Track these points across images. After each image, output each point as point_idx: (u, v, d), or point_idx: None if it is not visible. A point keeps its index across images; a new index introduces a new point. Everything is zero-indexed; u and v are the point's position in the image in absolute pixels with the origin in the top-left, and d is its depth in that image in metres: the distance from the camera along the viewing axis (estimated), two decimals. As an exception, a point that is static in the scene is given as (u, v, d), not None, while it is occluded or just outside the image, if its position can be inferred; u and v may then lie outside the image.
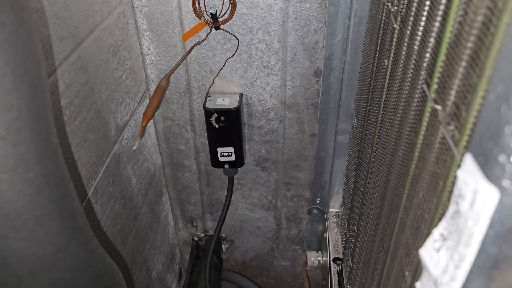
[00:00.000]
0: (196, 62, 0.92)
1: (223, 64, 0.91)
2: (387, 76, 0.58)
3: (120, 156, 0.84)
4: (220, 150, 0.97)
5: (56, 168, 0.38)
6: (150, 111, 0.82)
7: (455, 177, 0.33)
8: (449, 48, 0.37)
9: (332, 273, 1.00)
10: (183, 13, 0.86)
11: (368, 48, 0.74)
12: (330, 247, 1.05)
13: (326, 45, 0.83)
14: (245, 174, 1.10)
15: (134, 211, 0.93)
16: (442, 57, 0.39)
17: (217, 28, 0.85)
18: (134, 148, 0.90)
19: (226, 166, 1.00)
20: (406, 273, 0.49)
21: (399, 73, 0.52)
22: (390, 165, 0.56)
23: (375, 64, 0.66)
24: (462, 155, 0.33)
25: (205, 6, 0.84)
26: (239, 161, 1.00)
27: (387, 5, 0.59)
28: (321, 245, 1.16)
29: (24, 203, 0.36)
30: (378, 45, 0.64)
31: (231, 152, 0.98)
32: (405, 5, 0.50)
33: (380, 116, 0.62)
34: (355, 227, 0.83)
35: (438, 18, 0.40)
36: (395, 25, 0.54)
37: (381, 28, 0.62)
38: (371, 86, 0.69)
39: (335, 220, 1.11)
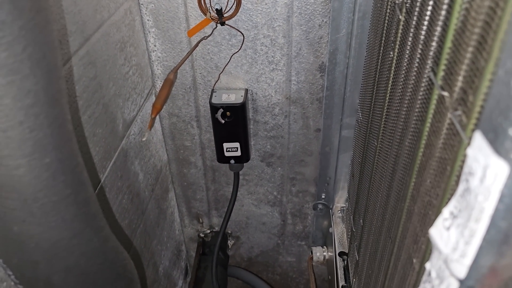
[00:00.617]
0: (201, 58, 0.93)
1: (228, 60, 0.92)
2: (393, 68, 0.59)
3: (128, 151, 0.85)
4: (226, 145, 0.98)
5: (71, 154, 0.39)
6: (159, 103, 0.84)
7: (462, 161, 0.34)
8: (455, 34, 0.38)
9: (338, 267, 1.01)
10: (188, 9, 0.86)
11: (373, 42, 0.74)
12: (336, 242, 1.05)
13: (331, 40, 0.84)
14: (250, 170, 1.11)
15: (141, 206, 0.94)
16: (448, 44, 0.40)
17: (223, 23, 0.86)
18: (143, 139, 0.91)
19: (232, 161, 1.01)
20: (414, 260, 0.49)
21: (405, 64, 0.53)
22: (396, 155, 0.57)
23: (380, 57, 0.67)
24: (470, 138, 0.33)
25: (210, 2, 0.84)
26: (244, 156, 1.00)
27: (392, -2, 0.59)
28: (326, 240, 1.17)
29: (41, 188, 0.36)
30: (383, 38, 0.65)
31: (237, 148, 0.98)
32: (410, -3, 0.51)
33: (386, 108, 0.63)
34: (361, 220, 0.83)
35: (444, 7, 0.40)
36: (400, 17, 0.55)
37: (386, 21, 0.63)
38: (376, 79, 0.70)
39: (340, 215, 1.11)
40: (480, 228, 0.28)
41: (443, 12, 0.41)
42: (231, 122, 0.94)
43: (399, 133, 0.56)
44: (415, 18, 0.49)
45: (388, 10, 0.62)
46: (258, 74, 0.94)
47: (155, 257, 1.04)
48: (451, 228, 0.31)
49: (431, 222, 0.44)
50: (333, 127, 0.97)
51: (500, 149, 0.25)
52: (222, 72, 0.94)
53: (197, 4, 0.85)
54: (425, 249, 0.45)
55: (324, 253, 1.15)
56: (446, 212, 0.32)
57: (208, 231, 1.26)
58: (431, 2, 0.44)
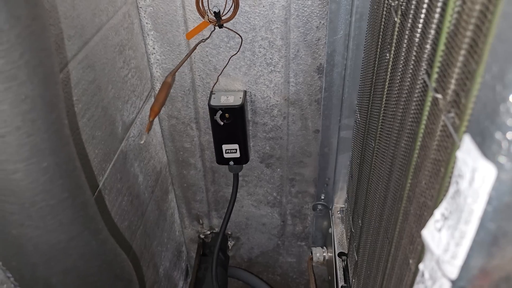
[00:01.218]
0: (200, 60, 0.93)
1: (227, 62, 0.92)
2: (389, 70, 0.59)
3: (127, 153, 0.86)
4: (225, 147, 0.99)
5: (68, 158, 0.39)
6: (157, 106, 0.84)
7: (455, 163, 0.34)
8: (448, 37, 0.38)
9: (338, 268, 1.01)
10: (187, 12, 0.87)
11: (370, 43, 0.75)
12: (335, 242, 1.06)
13: (328, 42, 0.85)
14: (249, 171, 1.11)
15: (141, 208, 0.94)
16: (441, 47, 0.40)
17: (221, 26, 0.86)
18: (141, 142, 0.91)
19: (231, 163, 1.02)
20: (410, 261, 0.50)
21: (401, 66, 0.53)
22: (393, 156, 0.57)
23: (377, 59, 0.67)
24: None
25: (208, 5, 0.85)
26: (244, 158, 1.01)
27: (387, 0, 0.60)
28: (326, 240, 1.17)
29: (39, 192, 0.37)
30: (380, 40, 0.65)
31: (236, 149, 0.99)
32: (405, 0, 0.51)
33: (382, 109, 0.63)
34: (360, 221, 0.84)
35: (438, 10, 0.41)
36: (396, 19, 0.55)
37: (382, 23, 0.63)
38: (373, 80, 0.70)
39: (339, 215, 1.11)
40: (469, 229, 0.28)
41: (436, 15, 0.41)
42: (230, 123, 0.94)
43: (395, 134, 0.56)
44: (410, 20, 0.49)
45: (384, 13, 0.63)
46: (257, 76, 0.94)
47: (155, 258, 1.05)
48: (442, 229, 0.31)
49: (426, 223, 0.44)
50: (332, 128, 0.97)
51: (488, 152, 0.26)
52: (220, 74, 0.94)
53: (195, 7, 0.85)
54: (421, 250, 0.46)
55: (324, 254, 1.15)
56: (437, 213, 0.32)
57: (208, 232, 1.27)
58: (425, 5, 0.44)
